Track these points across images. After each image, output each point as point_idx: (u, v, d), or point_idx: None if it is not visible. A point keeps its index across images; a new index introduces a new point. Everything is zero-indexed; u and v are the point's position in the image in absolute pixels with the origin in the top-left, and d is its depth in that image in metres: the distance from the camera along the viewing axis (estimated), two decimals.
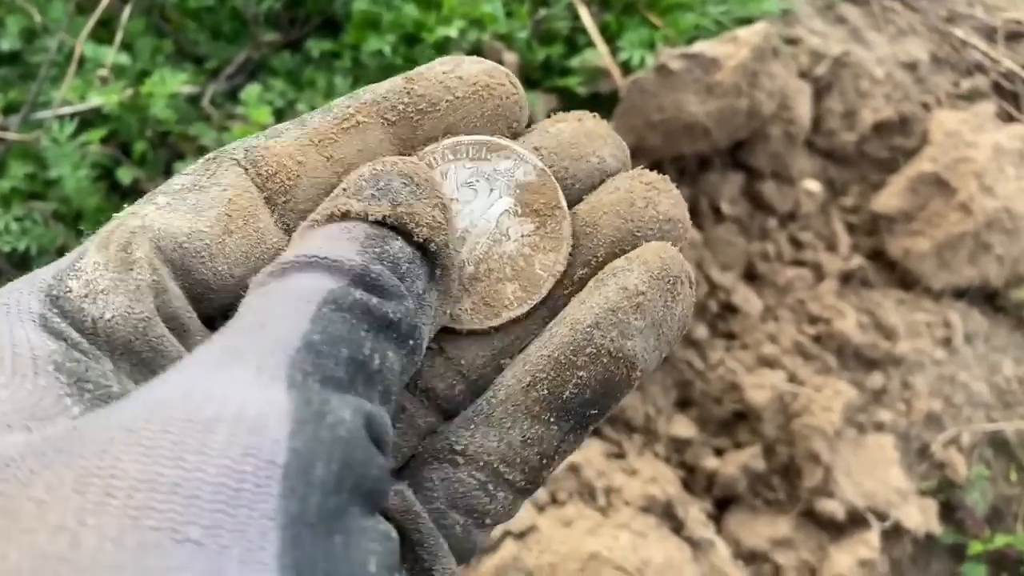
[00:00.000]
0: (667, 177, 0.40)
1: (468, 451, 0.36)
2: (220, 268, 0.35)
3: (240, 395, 0.26)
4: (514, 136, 0.40)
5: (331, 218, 0.33)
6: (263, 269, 0.32)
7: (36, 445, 0.25)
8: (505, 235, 0.39)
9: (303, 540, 0.24)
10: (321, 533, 0.24)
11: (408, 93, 0.38)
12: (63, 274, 0.33)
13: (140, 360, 0.32)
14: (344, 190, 0.34)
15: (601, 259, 0.38)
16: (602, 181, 0.40)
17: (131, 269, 0.33)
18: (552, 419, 0.36)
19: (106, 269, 0.33)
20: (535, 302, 0.38)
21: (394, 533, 0.28)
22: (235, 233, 0.35)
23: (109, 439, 0.24)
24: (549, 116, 0.41)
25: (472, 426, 0.37)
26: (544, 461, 0.36)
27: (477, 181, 0.39)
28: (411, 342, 0.32)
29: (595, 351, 0.35)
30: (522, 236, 0.39)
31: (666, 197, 0.39)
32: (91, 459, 0.24)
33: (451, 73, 0.38)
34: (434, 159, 0.38)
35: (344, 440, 0.26)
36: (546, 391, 0.36)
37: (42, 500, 0.23)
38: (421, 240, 0.33)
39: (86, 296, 0.32)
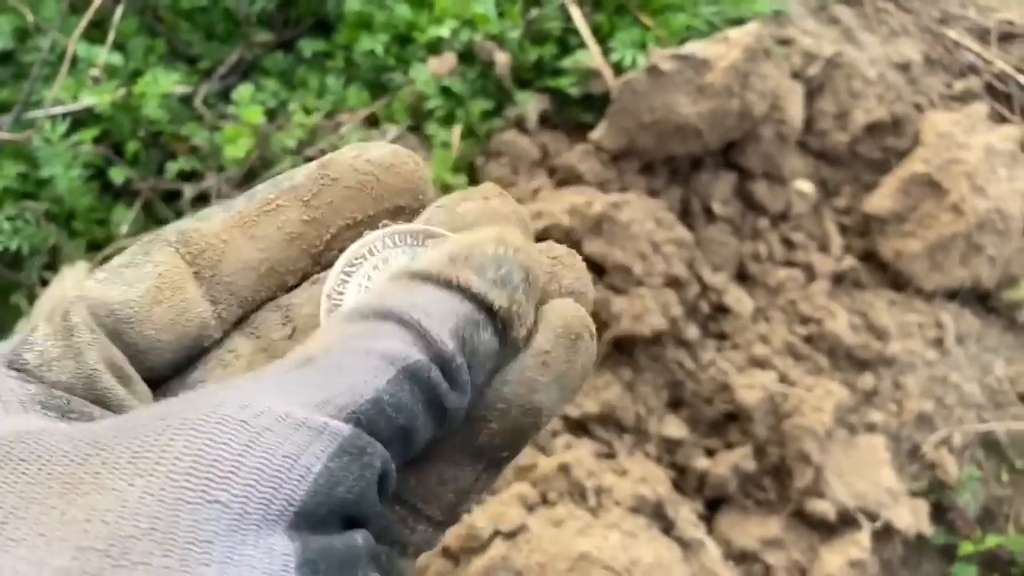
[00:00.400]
0: (574, 252, 0.43)
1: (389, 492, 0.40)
2: (148, 333, 0.39)
3: (300, 417, 0.28)
4: (420, 207, 0.44)
5: (447, 284, 0.36)
6: (364, 302, 0.35)
7: (88, 432, 0.29)
8: None
9: (310, 540, 0.27)
10: (322, 535, 0.28)
11: (322, 177, 0.42)
12: (19, 348, 0.37)
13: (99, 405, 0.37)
14: (465, 258, 0.36)
15: None
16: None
17: (72, 334, 0.37)
18: (466, 462, 0.39)
19: (54, 339, 0.37)
20: None
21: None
22: (163, 303, 0.39)
23: (165, 425, 0.28)
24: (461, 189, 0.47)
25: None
26: (458, 499, 0.39)
27: None
28: (446, 424, 0.34)
29: (506, 406, 0.38)
30: None
31: (570, 271, 0.43)
32: (146, 438, 0.27)
33: (359, 157, 0.42)
34: (374, 247, 0.42)
35: (367, 481, 0.29)
36: (459, 440, 0.39)
37: (98, 472, 0.27)
38: (516, 341, 0.37)
39: (41, 366, 0.36)
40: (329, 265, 0.43)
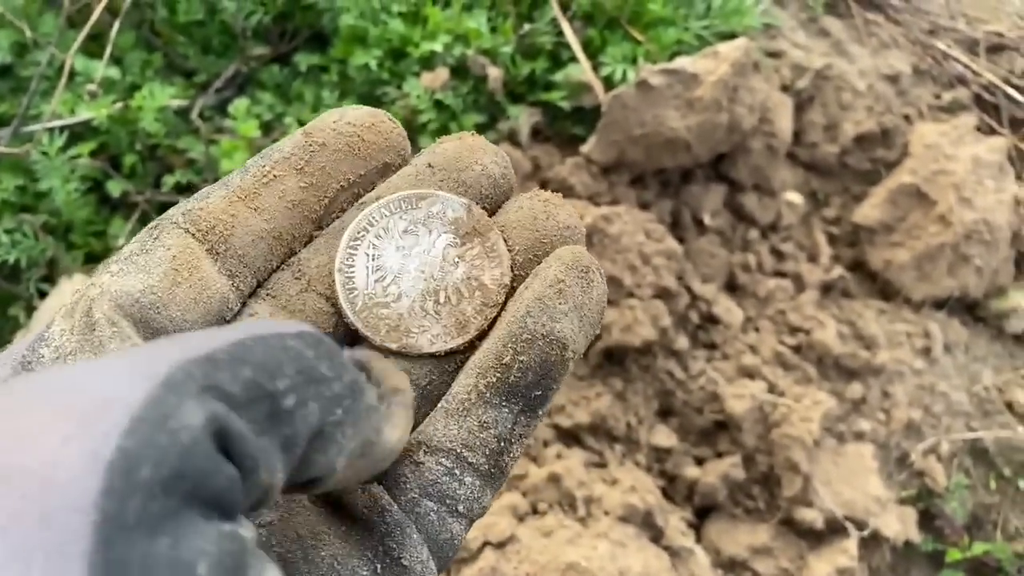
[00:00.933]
0: (559, 195, 0.46)
1: (432, 441, 0.41)
2: (174, 315, 0.40)
3: (102, 387, 0.26)
4: (403, 163, 0.46)
5: None
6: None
7: None
8: (453, 263, 0.45)
9: (117, 541, 0.23)
10: (141, 535, 0.23)
11: (310, 144, 0.44)
12: (34, 344, 0.37)
13: None
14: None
15: (520, 263, 0.45)
16: (491, 187, 0.47)
17: (93, 329, 0.37)
18: (503, 403, 0.41)
19: (71, 334, 0.37)
20: (495, 312, 0.44)
21: (246, 533, 0.27)
22: (183, 283, 0.40)
23: None
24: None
25: (432, 421, 0.41)
26: (502, 444, 0.41)
27: (415, 227, 0.45)
28: (346, 403, 0.32)
29: (530, 336, 0.41)
30: (468, 260, 0.45)
31: (562, 210, 0.46)
32: None
33: (340, 120, 0.45)
34: (373, 218, 0.44)
35: (183, 447, 0.25)
36: (494, 378, 0.41)
37: None
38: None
39: (56, 359, 0.37)
40: (329, 228, 0.45)
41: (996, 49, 2.08)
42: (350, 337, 0.44)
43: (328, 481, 0.33)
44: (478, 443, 0.40)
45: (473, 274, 0.44)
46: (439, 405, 0.42)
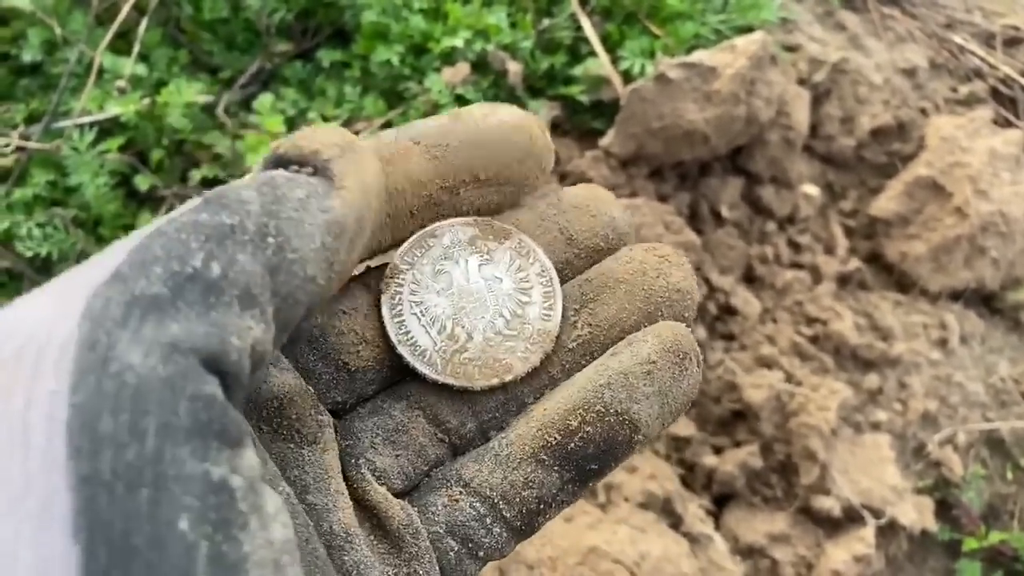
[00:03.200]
0: (679, 251, 0.43)
1: (473, 483, 0.39)
2: None
3: (29, 331, 0.25)
4: (541, 177, 0.44)
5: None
6: None
7: None
8: (496, 279, 0.43)
9: (98, 500, 0.23)
10: (120, 489, 0.23)
11: (451, 131, 0.41)
12: None
13: None
14: None
15: (611, 322, 0.42)
16: (614, 238, 0.44)
17: None
18: (555, 466, 0.38)
19: None
20: (540, 359, 0.42)
21: (235, 481, 0.25)
22: None
23: None
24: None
25: (480, 461, 0.40)
26: (541, 506, 0.39)
27: (441, 264, 0.43)
28: (270, 240, 0.30)
29: (603, 409, 0.38)
30: (507, 270, 0.43)
31: (677, 270, 0.42)
32: None
33: (490, 116, 0.42)
34: (398, 280, 0.42)
35: (133, 387, 0.24)
36: (554, 440, 0.38)
37: None
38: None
39: None
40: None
41: (1013, 42, 2.09)
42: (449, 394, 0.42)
43: (313, 287, 0.31)
44: (518, 499, 0.38)
45: (518, 279, 0.43)
46: (489, 446, 0.40)
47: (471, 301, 0.43)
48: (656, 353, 0.39)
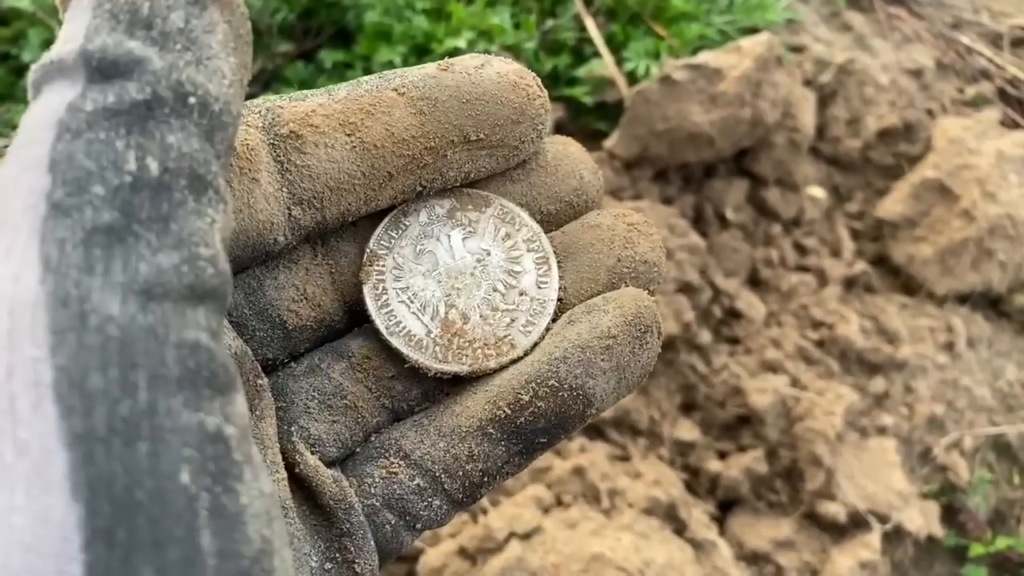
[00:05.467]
0: (650, 221, 0.41)
1: (414, 455, 0.37)
2: None
3: None
4: (536, 138, 0.40)
5: None
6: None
7: None
8: (484, 252, 0.40)
9: (96, 455, 0.22)
10: (117, 444, 0.22)
11: (440, 83, 0.37)
12: None
13: None
14: None
15: (571, 291, 0.40)
16: (579, 204, 0.41)
17: None
18: (503, 440, 0.37)
19: None
20: (544, 330, 0.39)
21: (229, 430, 0.25)
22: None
23: None
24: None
25: (423, 431, 0.37)
26: (485, 479, 0.37)
27: (422, 244, 0.40)
28: (192, 100, 0.27)
29: (557, 384, 0.36)
30: (492, 240, 0.40)
31: (646, 240, 0.40)
32: None
33: (482, 68, 0.38)
34: (378, 265, 0.40)
35: (118, 340, 0.23)
36: (503, 413, 0.36)
37: None
38: None
39: None
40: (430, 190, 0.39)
41: (1020, 43, 2.07)
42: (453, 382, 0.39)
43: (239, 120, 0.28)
44: (461, 472, 0.37)
45: (507, 248, 0.40)
46: (432, 415, 0.38)
47: (461, 279, 0.40)
48: (616, 327, 0.37)
